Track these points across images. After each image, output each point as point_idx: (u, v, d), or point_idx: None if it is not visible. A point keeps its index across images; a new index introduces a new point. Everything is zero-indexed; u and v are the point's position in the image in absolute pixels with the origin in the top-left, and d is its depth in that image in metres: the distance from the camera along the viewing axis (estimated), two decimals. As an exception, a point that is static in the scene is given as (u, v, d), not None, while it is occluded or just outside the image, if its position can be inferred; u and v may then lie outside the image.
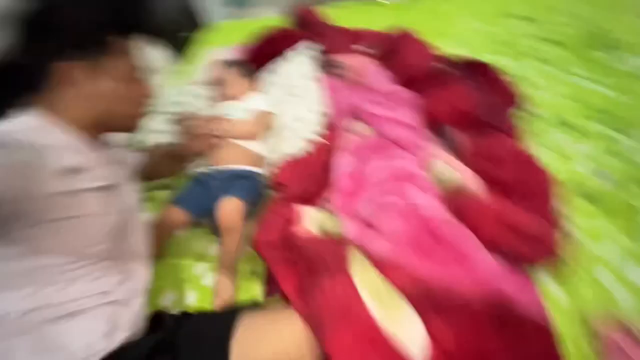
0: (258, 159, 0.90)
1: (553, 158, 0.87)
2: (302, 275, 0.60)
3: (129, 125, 0.64)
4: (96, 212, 0.56)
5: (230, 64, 1.05)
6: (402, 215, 0.62)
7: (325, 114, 0.95)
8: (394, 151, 0.83)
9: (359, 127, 0.94)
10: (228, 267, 0.75)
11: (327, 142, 0.90)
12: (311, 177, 0.82)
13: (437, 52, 1.03)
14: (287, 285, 0.59)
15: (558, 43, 1.43)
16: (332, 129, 0.95)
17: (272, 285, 0.69)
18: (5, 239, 0.48)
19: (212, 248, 0.85)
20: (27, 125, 0.54)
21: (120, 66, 0.58)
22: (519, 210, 0.64)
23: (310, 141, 0.91)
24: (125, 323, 0.56)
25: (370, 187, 0.76)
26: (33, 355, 0.48)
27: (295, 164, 0.87)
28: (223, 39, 1.52)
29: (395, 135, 0.85)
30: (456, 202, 0.64)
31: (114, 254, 0.59)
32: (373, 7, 2.15)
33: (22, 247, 0.50)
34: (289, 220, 0.71)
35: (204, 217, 0.84)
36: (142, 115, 0.65)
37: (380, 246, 0.57)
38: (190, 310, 0.66)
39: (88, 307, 0.53)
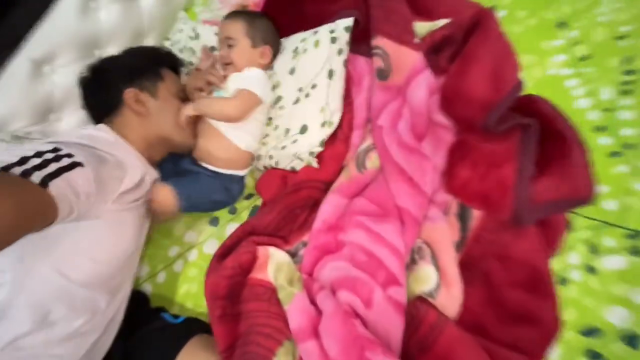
0: (241, 157, 0.80)
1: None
2: (240, 341, 0.62)
3: (183, 140, 0.78)
4: (129, 225, 0.66)
5: (241, 17, 0.81)
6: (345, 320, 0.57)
7: (333, 124, 0.77)
8: (387, 210, 0.69)
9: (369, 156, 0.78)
10: None
11: (316, 169, 0.76)
12: (291, 211, 0.74)
13: (516, 79, 0.72)
14: (221, 343, 0.62)
15: None
16: (340, 144, 0.79)
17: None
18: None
19: (190, 235, 0.87)
20: (112, 139, 0.66)
21: (171, 89, 0.77)
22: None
23: (306, 161, 0.77)
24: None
25: (344, 246, 0.68)
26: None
27: (276, 182, 0.77)
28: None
29: (399, 192, 0.69)
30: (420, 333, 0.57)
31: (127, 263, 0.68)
32: None
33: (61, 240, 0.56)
34: (250, 263, 0.68)
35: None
36: (191, 129, 0.79)
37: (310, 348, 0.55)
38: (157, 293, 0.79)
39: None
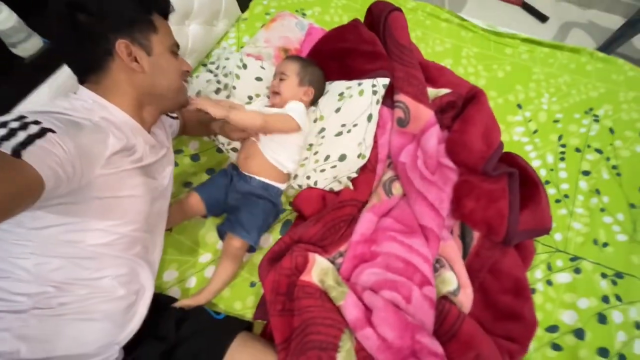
0: (281, 174, 0.92)
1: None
2: (294, 334, 0.70)
3: (178, 99, 0.70)
4: (136, 194, 0.62)
5: (298, 60, 0.97)
6: (394, 316, 0.70)
7: (366, 157, 0.94)
8: (412, 228, 0.87)
9: (394, 185, 0.96)
10: (211, 291, 0.81)
11: (353, 190, 0.92)
12: (336, 224, 0.87)
13: (499, 139, 0.99)
14: (279, 336, 0.69)
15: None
16: (369, 173, 0.97)
17: (261, 309, 0.80)
18: (49, 208, 0.52)
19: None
20: (90, 103, 0.59)
21: (165, 43, 0.65)
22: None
23: (344, 184, 0.92)
24: (140, 311, 0.65)
25: (379, 256, 0.83)
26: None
27: (317, 200, 0.90)
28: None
29: (422, 215, 0.88)
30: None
31: (143, 234, 0.65)
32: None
33: (62, 219, 0.54)
34: (303, 265, 0.78)
35: (215, 212, 0.90)
36: (184, 88, 0.71)
37: (371, 345, 0.66)
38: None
39: (114, 291, 0.61)
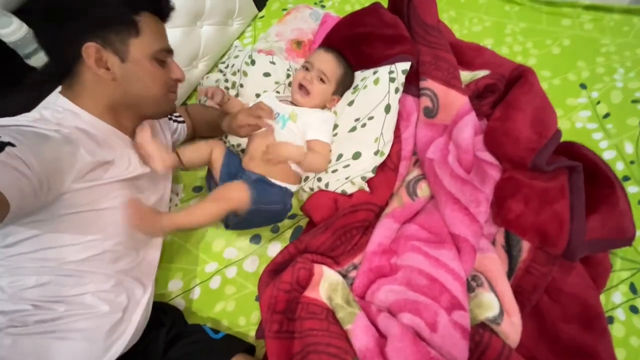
0: (292, 174, 0.83)
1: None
2: (292, 356, 0.59)
3: (157, 109, 0.64)
4: (115, 206, 0.57)
5: (344, 65, 0.87)
6: (411, 344, 0.56)
7: (385, 154, 0.81)
8: (441, 237, 0.72)
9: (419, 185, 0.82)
10: (176, 221, 0.68)
11: (370, 193, 0.79)
12: (348, 231, 0.75)
13: (556, 127, 0.80)
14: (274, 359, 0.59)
15: None
16: (390, 172, 0.83)
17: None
18: (21, 225, 0.49)
19: (229, 251, 0.85)
20: (60, 110, 0.55)
21: (147, 49, 0.58)
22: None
23: (358, 185, 0.80)
24: (127, 332, 0.60)
25: (399, 270, 0.69)
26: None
27: (328, 204, 0.79)
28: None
29: (454, 221, 0.72)
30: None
31: (127, 250, 0.61)
32: None
33: (38, 234, 0.51)
34: (307, 280, 0.67)
35: (225, 177, 0.81)
36: (170, 98, 0.66)
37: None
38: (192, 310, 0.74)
39: (96, 308, 0.57)
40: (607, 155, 0.88)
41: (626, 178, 0.84)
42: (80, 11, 0.53)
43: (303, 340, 0.61)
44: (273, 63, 1.00)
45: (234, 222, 0.77)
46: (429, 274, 0.64)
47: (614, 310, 0.69)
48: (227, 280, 0.82)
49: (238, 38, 1.24)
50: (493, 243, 0.74)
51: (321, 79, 0.83)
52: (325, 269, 0.70)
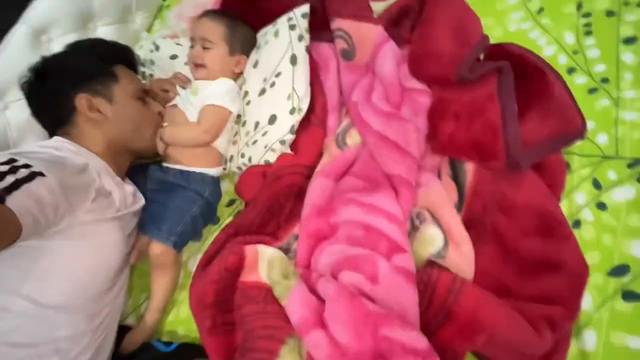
0: (207, 156, 0.76)
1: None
2: (238, 353, 0.53)
3: (150, 142, 0.72)
4: (110, 240, 0.60)
5: (224, 22, 0.78)
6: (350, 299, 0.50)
7: (302, 110, 0.72)
8: (376, 182, 0.65)
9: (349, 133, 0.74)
10: (152, 310, 0.68)
11: (294, 155, 0.72)
12: (275, 201, 0.68)
13: (481, 34, 0.71)
14: (215, 358, 0.53)
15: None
16: (315, 129, 0.76)
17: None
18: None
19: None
20: (68, 148, 0.60)
21: (128, 90, 0.69)
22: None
23: (279, 151, 0.72)
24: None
25: (338, 229, 0.62)
26: None
27: (257, 180, 0.71)
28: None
29: (386, 160, 0.65)
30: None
31: (108, 286, 0.61)
32: None
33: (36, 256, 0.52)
34: (237, 265, 0.61)
35: None
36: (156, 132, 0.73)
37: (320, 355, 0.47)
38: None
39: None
40: (548, 52, 0.79)
41: (571, 70, 0.76)
42: (69, 70, 0.65)
43: (243, 327, 0.55)
44: (179, 45, 0.92)
45: (178, 245, 0.70)
46: (364, 223, 0.58)
47: (579, 212, 0.63)
48: (174, 286, 0.75)
49: (148, 32, 1.15)
50: (439, 176, 0.67)
51: (204, 47, 0.75)
52: (260, 247, 0.63)
